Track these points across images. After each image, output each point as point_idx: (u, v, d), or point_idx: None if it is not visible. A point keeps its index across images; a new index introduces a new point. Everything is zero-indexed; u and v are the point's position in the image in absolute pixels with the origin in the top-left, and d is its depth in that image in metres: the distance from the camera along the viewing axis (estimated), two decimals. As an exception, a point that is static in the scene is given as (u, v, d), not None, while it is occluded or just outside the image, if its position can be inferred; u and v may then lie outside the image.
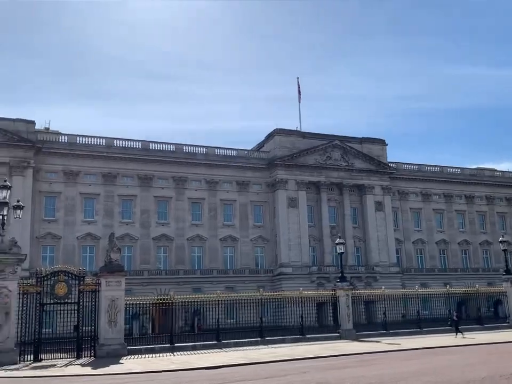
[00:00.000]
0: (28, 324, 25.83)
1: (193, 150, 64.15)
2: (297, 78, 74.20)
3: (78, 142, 58.44)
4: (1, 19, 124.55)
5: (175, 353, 28.09)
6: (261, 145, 71.24)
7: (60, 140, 58.28)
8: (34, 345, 25.77)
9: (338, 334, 34.48)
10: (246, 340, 31.43)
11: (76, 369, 22.39)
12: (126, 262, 51.80)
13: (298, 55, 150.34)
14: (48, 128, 61.19)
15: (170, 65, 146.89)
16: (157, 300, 33.16)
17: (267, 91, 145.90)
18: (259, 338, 32.10)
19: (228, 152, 66.42)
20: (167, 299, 32.42)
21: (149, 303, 32.60)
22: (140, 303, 31.09)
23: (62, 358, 25.85)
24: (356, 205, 69.74)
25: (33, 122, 55.92)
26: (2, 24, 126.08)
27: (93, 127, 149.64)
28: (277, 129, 67.65)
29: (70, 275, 27.30)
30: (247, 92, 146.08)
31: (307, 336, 33.55)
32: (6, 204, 25.76)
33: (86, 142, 58.81)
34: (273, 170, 65.83)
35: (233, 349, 29.10)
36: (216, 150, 65.70)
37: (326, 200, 67.27)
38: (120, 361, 24.43)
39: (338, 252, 38.56)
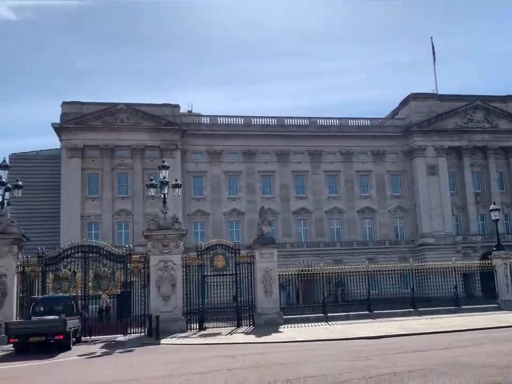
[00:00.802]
0: (191, 295, 27.69)
1: (327, 123, 63.85)
2: (431, 38, 70.45)
3: (218, 122, 61.01)
4: (143, 15, 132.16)
5: (329, 322, 28.49)
6: (395, 113, 69.08)
7: (202, 122, 61.21)
8: (199, 315, 27.58)
9: (496, 305, 32.88)
10: (399, 310, 31.09)
11: (240, 337, 23.44)
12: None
13: (427, 18, 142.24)
14: (191, 111, 64.41)
15: (294, 42, 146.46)
16: (303, 270, 33.58)
17: (397, 57, 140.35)
18: (412, 309, 31.59)
19: (361, 122, 65.23)
20: (314, 270, 32.89)
21: (295, 274, 33.24)
22: (286, 274, 31.76)
23: (223, 327, 27.23)
24: (502, 169, 65.29)
25: (178, 107, 59.26)
26: (144, 19, 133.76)
27: (229, 108, 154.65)
28: (412, 94, 65.09)
29: (226, 248, 28.77)
30: (375, 60, 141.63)
31: (462, 307, 32.39)
32: (166, 183, 27.65)
33: (226, 122, 61.21)
34: (409, 137, 63.59)
35: (387, 319, 28.81)
36: (349, 121, 64.83)
37: (469, 166, 63.70)
38: (279, 329, 25.23)
39: (493, 218, 36.33)
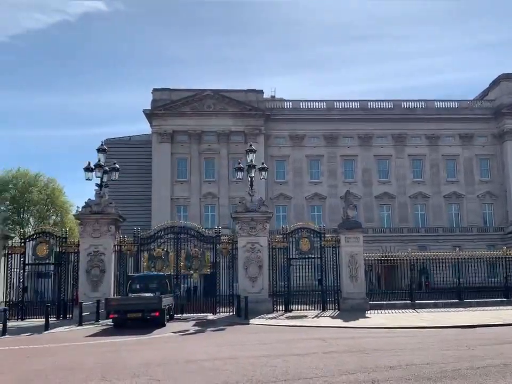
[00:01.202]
0: (276, 277, 28.03)
1: (411, 106, 61.96)
2: (525, 15, 66.11)
3: (300, 107, 60.83)
4: (226, 3, 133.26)
5: (416, 310, 27.86)
6: (484, 94, 65.93)
7: (285, 106, 61.25)
8: (284, 297, 27.89)
9: None
10: (490, 299, 29.91)
11: (327, 320, 23.44)
12: (352, 220, 52.87)
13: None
14: (273, 96, 64.57)
15: (376, 25, 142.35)
16: (387, 256, 32.85)
17: (485, 37, 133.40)
18: (504, 299, 30.37)
19: (448, 104, 62.75)
20: (398, 256, 32.10)
21: (377, 260, 32.56)
22: (368, 259, 31.16)
23: (308, 310, 27.38)
24: None
25: (261, 92, 59.75)
26: (228, 6, 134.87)
27: (311, 93, 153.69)
28: (503, 74, 61.82)
29: (311, 231, 28.82)
30: (462, 41, 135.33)
31: (563, 298, 30.72)
32: (253, 166, 28.01)
33: (308, 107, 61.03)
34: (500, 120, 60.59)
35: (477, 308, 27.90)
36: (436, 103, 62.58)
37: None
38: (366, 315, 25.03)
39: None
